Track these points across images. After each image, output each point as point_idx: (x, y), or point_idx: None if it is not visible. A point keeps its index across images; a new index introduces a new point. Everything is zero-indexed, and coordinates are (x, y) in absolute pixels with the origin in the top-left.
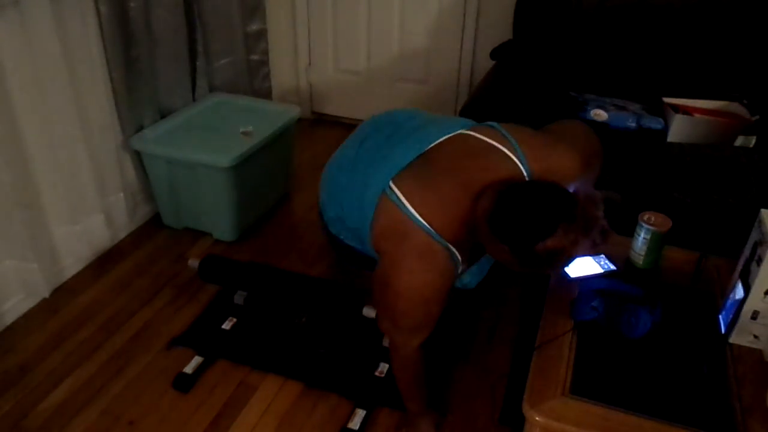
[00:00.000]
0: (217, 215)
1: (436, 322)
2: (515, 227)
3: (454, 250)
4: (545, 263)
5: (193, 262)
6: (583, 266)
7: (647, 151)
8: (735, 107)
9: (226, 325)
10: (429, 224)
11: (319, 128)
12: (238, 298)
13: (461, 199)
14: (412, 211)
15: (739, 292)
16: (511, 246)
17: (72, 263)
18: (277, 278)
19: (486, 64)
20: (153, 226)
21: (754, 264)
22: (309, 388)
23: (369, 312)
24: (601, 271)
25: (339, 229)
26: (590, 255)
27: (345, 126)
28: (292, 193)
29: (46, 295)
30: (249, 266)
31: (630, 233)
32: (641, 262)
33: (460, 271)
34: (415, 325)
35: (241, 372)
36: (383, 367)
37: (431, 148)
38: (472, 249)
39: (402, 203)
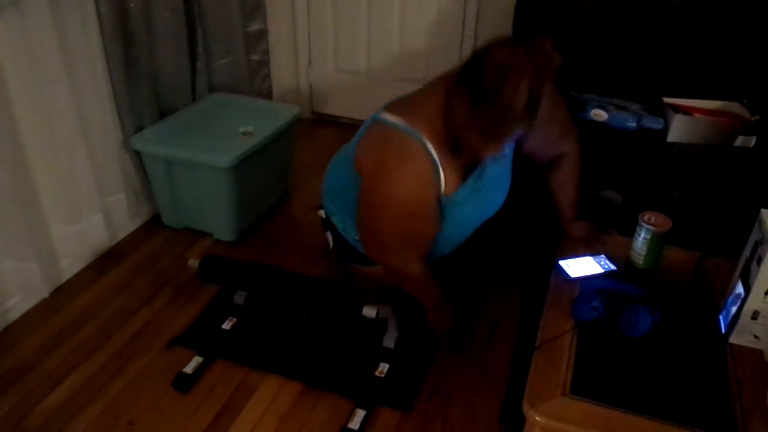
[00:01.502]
0: (217, 215)
1: (426, 242)
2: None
3: (430, 146)
4: (490, 91)
5: (193, 262)
6: (583, 266)
7: (647, 151)
8: (735, 107)
9: (226, 325)
10: (405, 122)
11: (319, 128)
12: (238, 298)
13: (436, 93)
14: (391, 119)
15: (739, 292)
16: (464, 66)
17: (72, 263)
18: (277, 278)
19: None
20: (153, 226)
21: (754, 264)
22: (309, 388)
23: (369, 312)
24: (601, 271)
25: (329, 203)
26: (590, 255)
27: (345, 126)
28: (292, 193)
29: (46, 295)
30: (249, 266)
31: (630, 233)
32: (641, 262)
33: (443, 185)
34: (403, 240)
35: (241, 372)
36: (383, 367)
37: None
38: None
39: (384, 119)
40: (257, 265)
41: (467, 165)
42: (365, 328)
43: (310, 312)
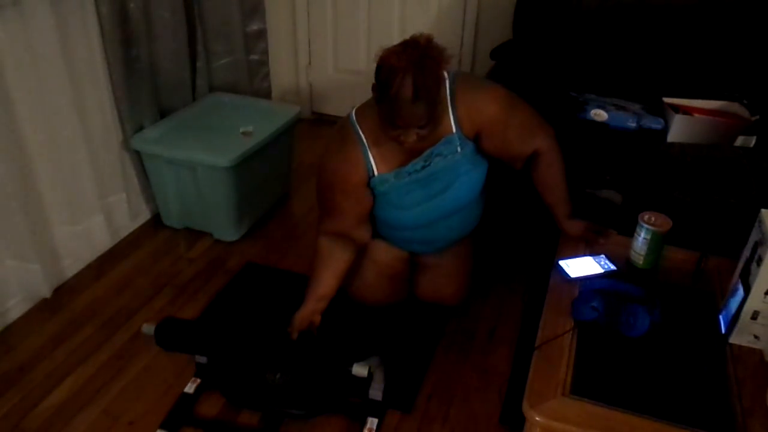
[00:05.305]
0: (217, 215)
1: (345, 218)
2: None
3: (362, 134)
4: (383, 87)
5: (148, 328)
6: (583, 266)
7: (647, 151)
8: (735, 107)
9: (189, 388)
10: (355, 114)
11: (319, 128)
12: (200, 357)
13: None
14: (352, 113)
15: (739, 292)
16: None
17: (73, 263)
18: (244, 339)
19: (486, 64)
20: (153, 226)
21: (754, 264)
22: None
23: (360, 370)
24: (601, 271)
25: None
26: (590, 255)
27: None
28: (292, 193)
29: (47, 295)
30: (210, 328)
31: (630, 233)
32: (641, 262)
33: (375, 167)
34: (327, 207)
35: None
36: (372, 422)
37: None
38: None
39: (350, 113)
40: (219, 324)
41: (412, 157)
42: (348, 384)
43: (286, 370)
